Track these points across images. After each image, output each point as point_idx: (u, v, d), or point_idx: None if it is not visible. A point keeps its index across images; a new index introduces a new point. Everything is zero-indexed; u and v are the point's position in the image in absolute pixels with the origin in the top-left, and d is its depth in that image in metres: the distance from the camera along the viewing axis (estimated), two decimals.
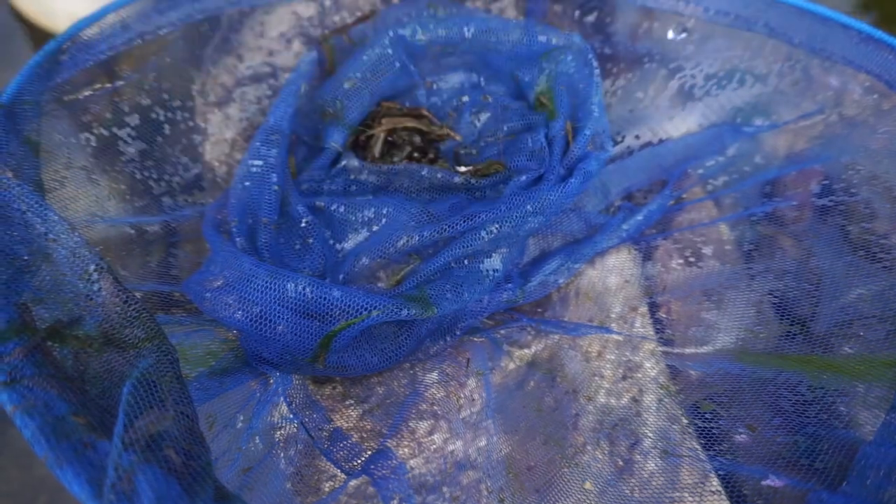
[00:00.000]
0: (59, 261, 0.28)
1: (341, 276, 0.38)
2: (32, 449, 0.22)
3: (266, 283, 0.33)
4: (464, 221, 0.38)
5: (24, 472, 0.54)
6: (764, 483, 0.31)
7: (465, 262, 0.38)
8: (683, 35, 0.42)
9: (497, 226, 0.37)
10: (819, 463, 0.30)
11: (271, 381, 0.35)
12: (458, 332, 0.40)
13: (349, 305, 0.33)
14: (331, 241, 0.40)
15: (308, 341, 0.34)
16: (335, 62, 0.45)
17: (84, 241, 0.28)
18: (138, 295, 0.39)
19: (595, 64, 0.41)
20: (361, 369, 0.37)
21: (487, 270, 0.38)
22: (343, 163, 0.43)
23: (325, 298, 0.33)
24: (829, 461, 0.30)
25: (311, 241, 0.39)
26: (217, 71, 0.41)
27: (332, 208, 0.40)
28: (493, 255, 0.39)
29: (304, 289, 0.33)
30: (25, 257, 0.27)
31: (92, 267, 0.28)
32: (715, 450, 0.36)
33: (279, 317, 0.33)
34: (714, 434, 0.37)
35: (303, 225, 0.39)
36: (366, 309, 0.33)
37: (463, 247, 0.37)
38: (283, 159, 0.40)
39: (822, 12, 0.38)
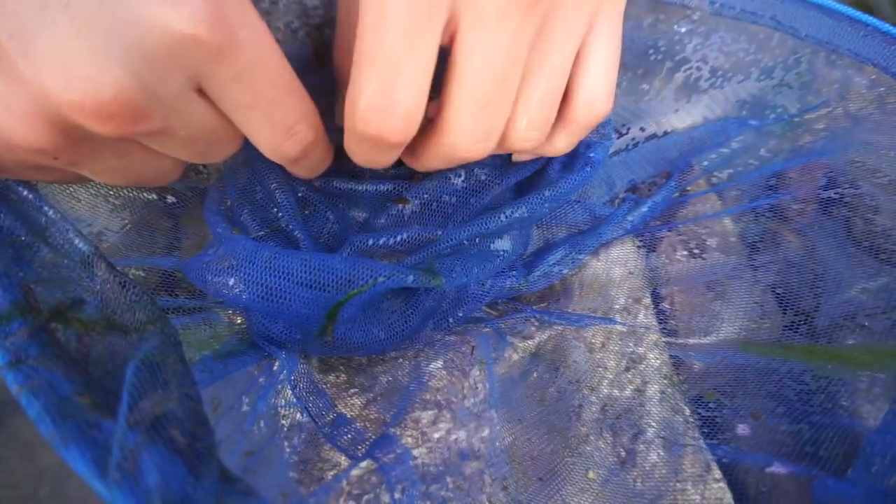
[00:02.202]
0: (55, 245, 0.28)
1: (349, 250, 0.37)
2: (38, 429, 0.22)
3: (269, 261, 0.33)
4: (482, 207, 0.38)
5: (26, 462, 0.54)
6: (768, 470, 0.31)
7: (477, 241, 0.38)
8: (689, 27, 0.42)
9: (511, 210, 0.37)
10: (824, 451, 0.30)
11: (276, 364, 0.35)
12: (459, 315, 0.40)
13: (353, 275, 0.33)
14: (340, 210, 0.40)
15: (315, 313, 0.34)
16: (323, 54, 0.44)
17: (75, 229, 0.28)
18: (141, 272, 0.39)
19: None
20: (369, 346, 0.37)
21: (497, 250, 0.39)
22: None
23: (329, 270, 0.33)
24: (833, 449, 0.30)
25: (315, 209, 0.39)
26: None
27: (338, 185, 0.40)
28: (504, 236, 0.39)
29: (308, 262, 0.33)
30: (23, 238, 0.27)
31: (85, 253, 0.28)
32: (718, 439, 0.36)
33: (284, 291, 0.33)
34: (717, 423, 0.37)
35: (300, 194, 0.39)
36: (371, 277, 0.33)
37: (479, 227, 0.37)
38: None
39: (828, 5, 0.38)
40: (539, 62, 0.26)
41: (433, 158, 0.29)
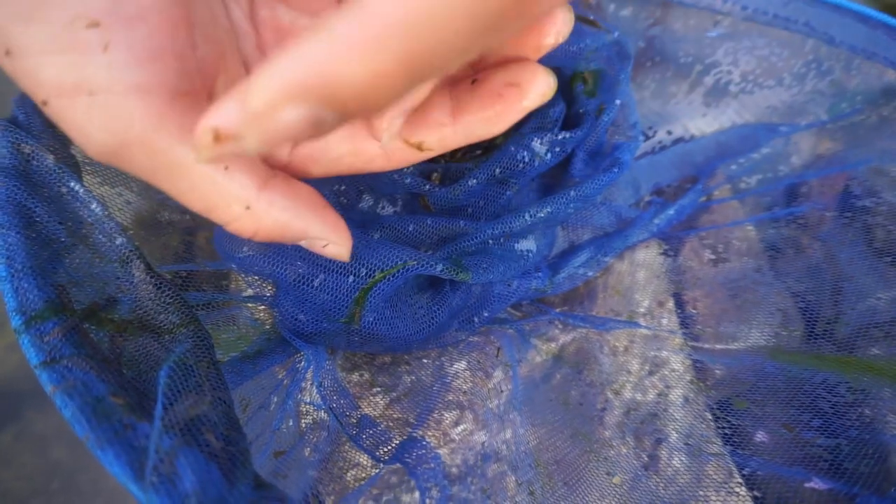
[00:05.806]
0: (95, 244, 0.27)
1: (378, 234, 0.37)
2: (60, 424, 0.22)
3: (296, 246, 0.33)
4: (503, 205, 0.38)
5: (38, 456, 0.54)
6: (807, 486, 0.31)
7: (501, 240, 0.38)
8: (720, 32, 0.41)
9: (535, 209, 0.37)
10: (864, 467, 0.30)
11: (303, 362, 0.35)
12: (485, 315, 0.39)
13: (383, 260, 0.32)
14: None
15: (343, 299, 0.33)
16: None
17: (119, 227, 0.28)
18: (168, 276, 0.39)
19: (630, 56, 0.40)
20: (395, 341, 0.36)
21: (522, 251, 0.38)
22: None
23: (358, 254, 0.32)
24: (875, 466, 0.30)
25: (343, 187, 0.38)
26: None
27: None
28: (529, 237, 0.39)
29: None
30: (63, 239, 0.27)
31: (125, 252, 0.28)
32: (750, 449, 0.36)
33: (314, 276, 0.33)
34: (748, 433, 0.36)
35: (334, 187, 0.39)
36: (401, 260, 0.32)
37: (503, 225, 0.37)
38: None
39: (863, 11, 0.38)
40: None
41: None
